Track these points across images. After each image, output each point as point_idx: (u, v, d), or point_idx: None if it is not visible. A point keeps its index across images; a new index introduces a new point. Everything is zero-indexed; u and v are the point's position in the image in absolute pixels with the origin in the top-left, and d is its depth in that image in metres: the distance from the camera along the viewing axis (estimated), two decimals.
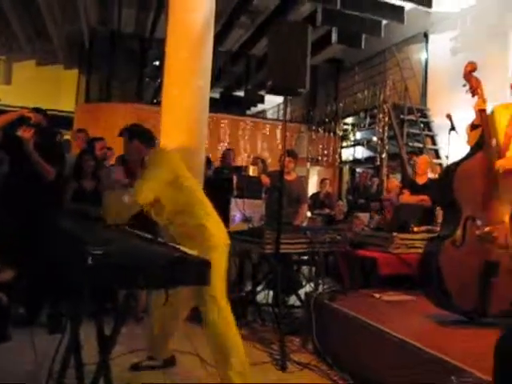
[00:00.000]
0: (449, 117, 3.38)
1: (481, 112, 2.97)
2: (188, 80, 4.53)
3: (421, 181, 4.90)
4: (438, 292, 2.84)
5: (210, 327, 2.61)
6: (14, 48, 11.81)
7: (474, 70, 3.11)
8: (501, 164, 2.84)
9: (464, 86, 3.14)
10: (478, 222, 2.80)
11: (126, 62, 12.00)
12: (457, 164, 2.96)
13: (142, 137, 2.84)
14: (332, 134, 11.01)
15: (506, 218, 2.84)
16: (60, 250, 1.61)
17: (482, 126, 2.93)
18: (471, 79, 3.09)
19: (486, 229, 2.77)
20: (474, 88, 3.05)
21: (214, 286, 2.44)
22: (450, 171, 2.94)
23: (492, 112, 3.23)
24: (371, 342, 2.77)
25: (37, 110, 3.76)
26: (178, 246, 1.81)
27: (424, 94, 9.38)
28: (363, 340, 2.86)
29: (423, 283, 3.03)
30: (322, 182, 8.32)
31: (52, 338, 2.09)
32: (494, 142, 3.02)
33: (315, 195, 8.04)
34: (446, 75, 8.03)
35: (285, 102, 3.62)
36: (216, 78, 11.57)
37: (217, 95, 14.16)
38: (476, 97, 3.06)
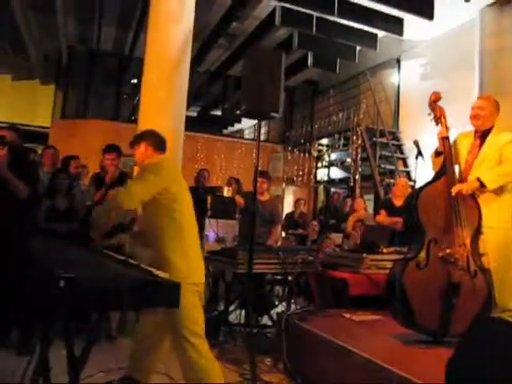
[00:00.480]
0: (416, 143, 3.53)
1: (443, 140, 3.13)
2: (164, 99, 4.61)
3: (398, 203, 5.04)
4: (403, 312, 2.93)
5: (186, 363, 2.50)
6: None
7: (439, 99, 3.28)
8: (455, 189, 2.98)
9: (429, 114, 3.31)
10: (441, 245, 2.92)
11: (103, 79, 12.02)
12: (421, 189, 3.09)
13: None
14: (307, 154, 11.20)
15: (467, 241, 2.97)
16: (31, 272, 1.63)
17: (445, 153, 3.08)
18: (435, 108, 3.25)
19: (448, 251, 2.89)
20: (438, 117, 3.22)
21: (182, 326, 2.43)
22: (415, 195, 3.07)
23: (455, 140, 3.41)
24: (339, 362, 2.84)
25: (10, 128, 3.76)
26: (150, 269, 1.86)
27: (396, 118, 9.68)
28: (331, 359, 2.93)
29: (389, 303, 3.13)
30: (296, 201, 8.44)
31: (21, 360, 2.08)
32: (456, 167, 3.19)
33: (290, 215, 8.14)
34: (416, 100, 8.31)
35: (258, 126, 3.72)
36: (194, 98, 11.69)
37: (194, 114, 14.26)
38: (439, 125, 3.23)
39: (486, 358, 1.33)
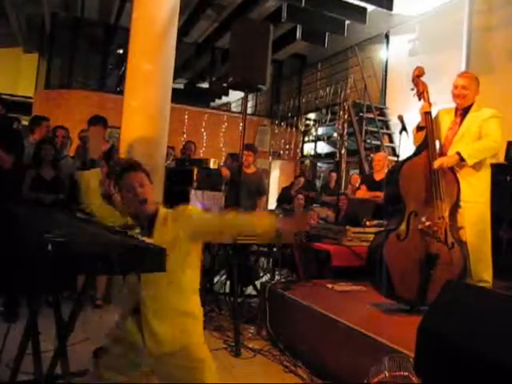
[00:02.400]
0: (400, 118, 3.57)
1: (425, 114, 3.19)
2: (151, 70, 4.56)
3: (378, 177, 5.10)
4: (383, 282, 3.03)
5: None
6: None
7: (422, 74, 3.32)
8: (436, 162, 3.05)
9: (412, 89, 3.35)
10: (421, 217, 3.01)
11: (88, 48, 11.76)
12: (402, 162, 3.16)
13: None
14: (294, 128, 11.20)
15: (446, 214, 3.06)
16: (18, 238, 1.66)
17: (427, 128, 3.14)
18: (418, 83, 3.30)
19: (427, 223, 2.98)
20: (421, 92, 3.27)
21: None
22: (396, 169, 3.14)
23: (436, 116, 3.46)
24: (320, 329, 2.95)
25: None
26: (135, 236, 1.90)
27: (383, 93, 9.69)
28: (312, 326, 3.03)
29: (370, 273, 3.23)
30: (295, 178, 8.23)
31: (6, 327, 2.13)
32: (437, 143, 3.26)
33: (286, 190, 7.86)
34: (403, 76, 8.28)
35: (245, 98, 3.73)
36: (181, 70, 11.53)
37: (181, 86, 14.09)
38: (422, 100, 3.28)
39: (454, 320, 1.41)
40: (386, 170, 5.24)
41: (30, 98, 11.19)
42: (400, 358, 1.79)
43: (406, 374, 1.65)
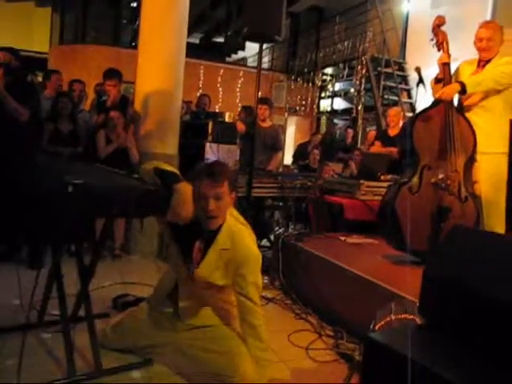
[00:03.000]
0: (417, 70, 3.49)
1: (444, 66, 3.11)
2: (165, 23, 4.50)
3: (392, 133, 5.05)
4: (395, 234, 3.08)
5: None
6: None
7: (442, 23, 3.22)
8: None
9: (431, 40, 3.26)
10: (434, 171, 3.01)
11: (102, 2, 11.57)
12: (417, 115, 3.13)
13: None
14: (311, 84, 11.02)
15: (460, 168, 3.05)
16: (39, 184, 1.73)
17: (444, 80, 3.08)
18: (438, 33, 3.20)
19: (441, 176, 2.98)
20: (440, 42, 3.17)
21: None
22: (411, 122, 3.12)
23: (458, 67, 3.38)
24: (330, 278, 3.03)
25: (6, 49, 3.66)
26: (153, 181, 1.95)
27: (403, 48, 9.41)
28: (323, 276, 3.12)
29: (382, 226, 3.27)
30: (313, 134, 8.18)
31: (33, 274, 2.25)
32: (456, 95, 3.19)
33: (302, 146, 7.74)
34: (425, 29, 8.02)
35: (260, 49, 3.68)
36: (196, 23, 11.32)
37: (197, 41, 13.87)
38: (441, 51, 3.20)
39: (460, 263, 1.45)
40: (400, 126, 5.21)
41: (45, 53, 11.14)
42: (406, 302, 1.85)
43: (411, 316, 1.71)
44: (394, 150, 4.66)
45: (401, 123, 5.24)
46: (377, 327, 1.77)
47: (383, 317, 1.80)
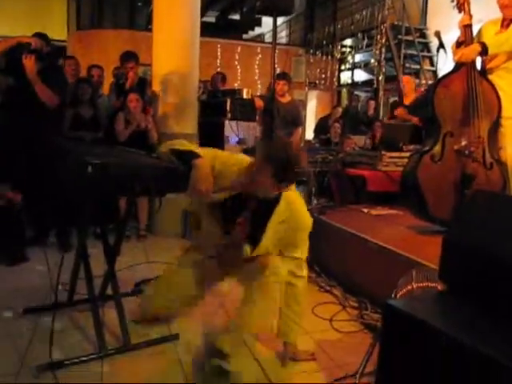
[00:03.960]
0: (437, 34, 3.39)
1: (465, 28, 3.00)
2: (178, 4, 4.48)
3: (407, 101, 4.94)
4: (418, 204, 3.04)
5: None
6: None
7: None
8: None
9: (452, 1, 3.14)
10: (457, 138, 2.93)
11: None
12: (439, 80, 3.04)
13: None
14: (330, 56, 10.82)
15: (484, 133, 2.96)
16: (61, 167, 1.77)
17: (466, 43, 2.98)
18: None
19: (464, 143, 2.91)
20: (461, 3, 3.05)
21: None
22: (432, 88, 3.03)
23: (480, 29, 3.25)
24: (353, 250, 3.02)
25: (37, 35, 3.70)
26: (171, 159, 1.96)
27: (424, 13, 9.10)
28: (346, 248, 3.11)
29: (404, 197, 3.23)
30: (334, 108, 8.05)
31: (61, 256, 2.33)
32: (478, 59, 3.08)
33: (323, 120, 7.63)
34: None
35: (274, 23, 3.62)
36: (211, 2, 11.18)
37: (212, 19, 13.72)
38: (462, 12, 3.08)
39: (480, 228, 1.42)
40: (414, 94, 5.08)
41: (64, 41, 11.22)
42: (427, 270, 1.83)
43: (433, 284, 1.70)
44: (414, 119, 4.57)
45: (414, 91, 5.11)
46: (398, 295, 1.76)
47: (404, 285, 1.79)
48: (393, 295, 1.79)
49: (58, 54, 4.49)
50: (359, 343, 2.31)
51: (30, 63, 3.41)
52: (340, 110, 7.72)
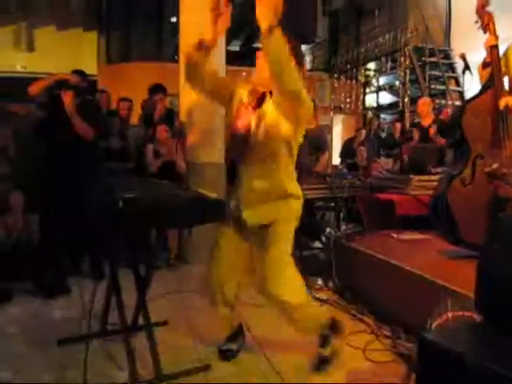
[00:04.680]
0: (462, 56, 3.38)
1: (491, 48, 2.97)
2: (204, 35, 4.59)
3: (425, 123, 4.93)
4: (449, 229, 2.97)
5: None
6: (35, 14, 11.92)
7: (486, 4, 3.06)
8: (502, 102, 2.86)
9: (476, 22, 3.12)
10: (487, 160, 2.88)
11: (143, 20, 11.97)
12: (467, 102, 3.01)
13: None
14: (354, 80, 10.86)
15: None
16: (94, 200, 1.82)
17: (492, 63, 2.95)
18: (483, 15, 3.05)
19: (495, 165, 2.85)
20: (486, 23, 3.02)
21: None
22: (460, 110, 3.00)
23: (507, 50, 3.22)
24: (384, 276, 2.97)
25: (76, 72, 3.89)
26: (198, 190, 2.00)
27: (447, 34, 9.10)
28: (377, 275, 3.06)
29: (435, 221, 3.17)
30: (357, 130, 8.08)
31: (94, 285, 2.37)
32: (506, 79, 3.04)
33: (348, 142, 7.65)
34: (469, 11, 7.74)
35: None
36: (235, 31, 11.45)
37: (237, 48, 14.01)
38: (488, 33, 3.05)
39: None
40: (432, 115, 5.07)
41: (95, 75, 11.65)
42: (463, 298, 1.79)
43: (469, 313, 1.65)
44: (442, 140, 4.54)
45: (431, 113, 5.10)
46: (433, 326, 1.72)
47: (439, 314, 1.75)
48: (427, 325, 1.75)
49: (93, 89, 4.69)
50: (393, 374, 2.25)
51: (68, 98, 3.61)
52: (364, 132, 7.74)
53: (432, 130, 4.87)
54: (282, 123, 2.12)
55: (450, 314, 1.71)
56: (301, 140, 2.27)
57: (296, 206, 2.29)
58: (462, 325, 1.44)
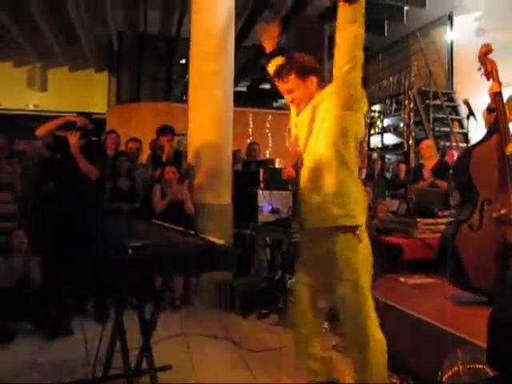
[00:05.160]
0: (465, 102, 3.44)
1: (495, 95, 3.02)
2: (212, 77, 4.70)
3: (429, 165, 4.97)
4: (457, 274, 2.94)
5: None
6: (48, 55, 12.31)
7: (489, 52, 3.13)
8: (509, 148, 2.89)
9: (479, 69, 3.19)
10: (495, 205, 2.88)
11: (153, 62, 12.31)
12: (472, 147, 3.04)
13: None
14: None
15: None
16: (102, 245, 1.83)
17: (497, 110, 3.00)
18: (486, 62, 3.12)
19: (503, 211, 2.85)
20: (489, 71, 3.09)
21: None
22: (466, 155, 3.03)
23: (510, 96, 3.28)
24: (393, 323, 2.91)
25: (82, 114, 4.00)
26: (206, 237, 2.00)
27: (450, 78, 9.27)
28: (385, 321, 2.99)
29: (443, 266, 3.14)
30: (359, 169, 8.13)
31: (99, 327, 2.33)
32: (511, 125, 3.08)
33: None
34: (471, 57, 7.90)
35: None
36: (242, 73, 11.72)
37: (243, 89, 14.30)
38: (491, 80, 3.12)
39: None
40: (436, 156, 5.16)
41: (104, 114, 11.90)
42: (474, 349, 1.75)
43: (480, 366, 1.61)
44: (443, 183, 4.57)
45: (435, 155, 5.17)
46: (444, 378, 1.67)
47: (450, 367, 1.70)
48: (438, 378, 1.70)
49: (100, 130, 4.80)
50: None
51: (74, 140, 3.69)
52: (364, 171, 7.83)
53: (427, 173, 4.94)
54: None
55: (461, 367, 1.67)
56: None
57: None
58: (475, 380, 1.40)
